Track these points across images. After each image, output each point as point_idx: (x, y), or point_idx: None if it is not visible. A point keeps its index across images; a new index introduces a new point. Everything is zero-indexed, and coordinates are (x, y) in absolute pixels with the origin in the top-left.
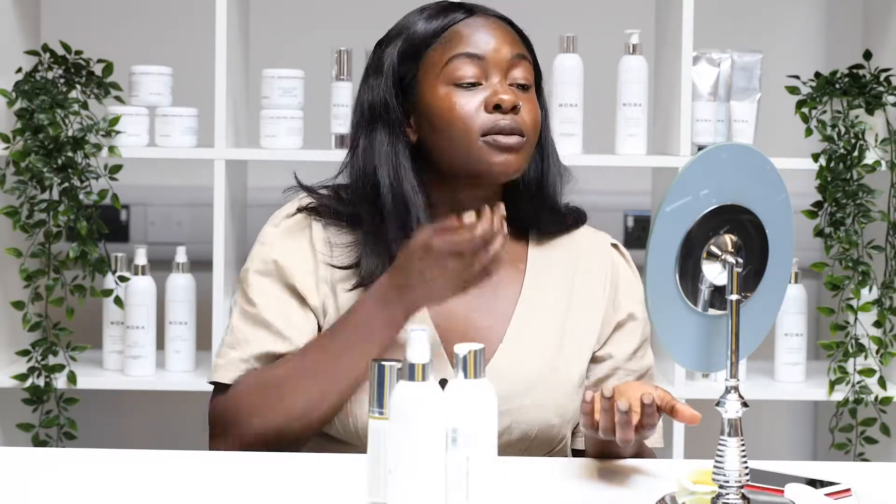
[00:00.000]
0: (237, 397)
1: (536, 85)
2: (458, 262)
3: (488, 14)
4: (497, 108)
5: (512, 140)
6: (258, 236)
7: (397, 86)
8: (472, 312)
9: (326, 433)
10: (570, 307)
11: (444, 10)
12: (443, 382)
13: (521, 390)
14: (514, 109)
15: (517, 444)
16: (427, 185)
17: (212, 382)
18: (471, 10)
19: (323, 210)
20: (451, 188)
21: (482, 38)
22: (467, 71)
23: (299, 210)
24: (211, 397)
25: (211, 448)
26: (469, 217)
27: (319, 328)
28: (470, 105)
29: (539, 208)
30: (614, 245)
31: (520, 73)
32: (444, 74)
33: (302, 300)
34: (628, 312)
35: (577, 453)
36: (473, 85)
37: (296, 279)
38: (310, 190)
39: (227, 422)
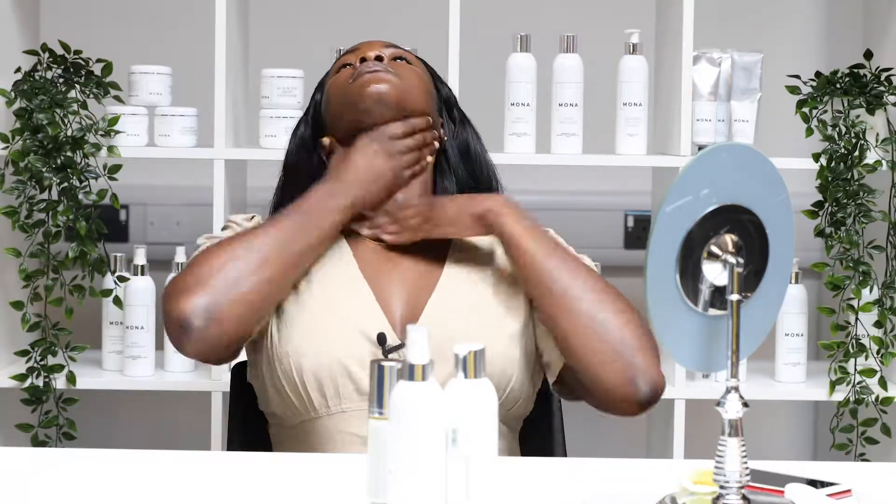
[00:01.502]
0: (200, 255)
1: (447, 107)
2: (395, 146)
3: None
4: (362, 60)
5: (377, 74)
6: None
7: (314, 122)
8: (404, 270)
9: (287, 419)
10: (493, 268)
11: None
12: (380, 337)
13: (456, 336)
14: (378, 59)
15: None
16: None
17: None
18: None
19: None
20: None
21: (359, 45)
22: (350, 56)
23: (246, 217)
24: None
25: (174, 312)
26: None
27: None
28: (345, 74)
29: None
30: None
31: (389, 53)
32: (336, 68)
33: None
34: None
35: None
36: (351, 65)
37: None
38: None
39: (202, 270)
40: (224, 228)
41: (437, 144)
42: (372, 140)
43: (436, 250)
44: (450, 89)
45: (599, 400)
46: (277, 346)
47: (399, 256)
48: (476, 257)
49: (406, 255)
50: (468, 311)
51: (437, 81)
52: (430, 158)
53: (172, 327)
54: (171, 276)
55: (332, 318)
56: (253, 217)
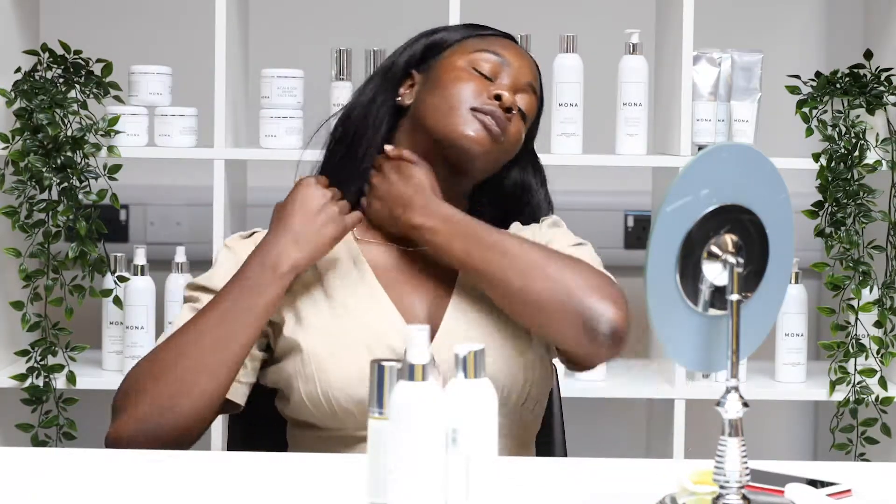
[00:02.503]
0: (140, 366)
1: (530, 130)
2: (325, 197)
3: (523, 49)
4: (497, 98)
5: (495, 126)
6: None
7: (414, 59)
8: (419, 273)
9: (308, 422)
10: None
11: (488, 29)
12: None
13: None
14: (509, 111)
15: None
16: (399, 145)
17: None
18: (509, 36)
19: None
20: (422, 153)
21: (512, 53)
22: (489, 65)
23: (246, 236)
24: None
25: (113, 425)
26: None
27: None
28: (474, 85)
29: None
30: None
31: (524, 102)
32: (470, 58)
33: None
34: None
35: None
36: (486, 78)
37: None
38: None
39: (127, 390)
40: (222, 250)
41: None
42: (312, 191)
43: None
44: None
45: (569, 358)
46: (301, 369)
47: (411, 259)
48: None
49: (418, 255)
50: (487, 316)
51: (541, 81)
52: (354, 217)
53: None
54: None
55: (358, 338)
56: (253, 233)
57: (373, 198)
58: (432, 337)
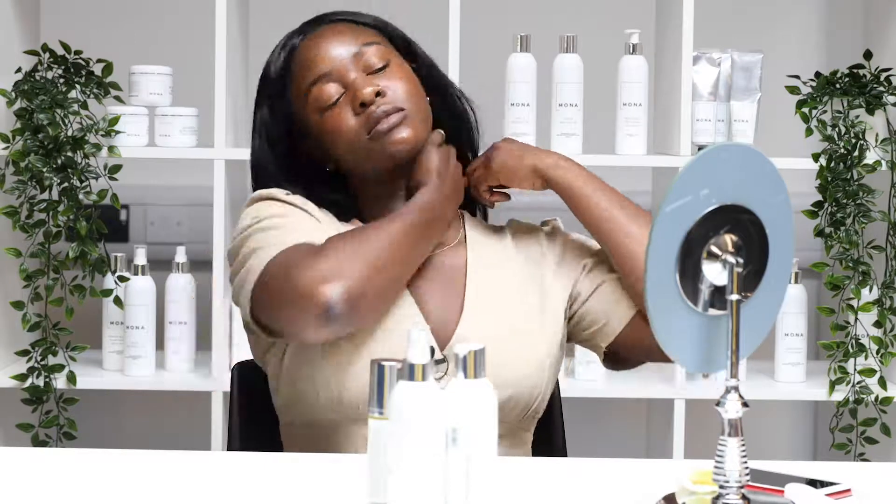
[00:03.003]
0: (334, 244)
1: (405, 51)
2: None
3: (322, 24)
4: (362, 105)
5: (391, 120)
6: (246, 221)
7: (281, 138)
8: (427, 294)
9: (306, 422)
10: (517, 275)
11: (284, 43)
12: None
13: (490, 352)
14: (379, 95)
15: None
16: (360, 198)
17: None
18: (303, 31)
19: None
20: (382, 192)
21: (324, 52)
22: (327, 92)
23: (284, 195)
24: (301, 248)
25: (317, 282)
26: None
27: None
28: (343, 118)
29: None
30: (543, 223)
31: (372, 59)
32: (310, 105)
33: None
34: (583, 264)
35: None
36: (338, 99)
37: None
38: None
39: (345, 253)
40: (257, 201)
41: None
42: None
43: (453, 237)
44: (401, 34)
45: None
46: (321, 358)
47: (428, 260)
48: (493, 243)
49: (432, 257)
50: (502, 310)
51: (389, 29)
52: (439, 132)
53: (313, 310)
54: (287, 263)
55: (379, 342)
56: (288, 193)
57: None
58: (449, 338)
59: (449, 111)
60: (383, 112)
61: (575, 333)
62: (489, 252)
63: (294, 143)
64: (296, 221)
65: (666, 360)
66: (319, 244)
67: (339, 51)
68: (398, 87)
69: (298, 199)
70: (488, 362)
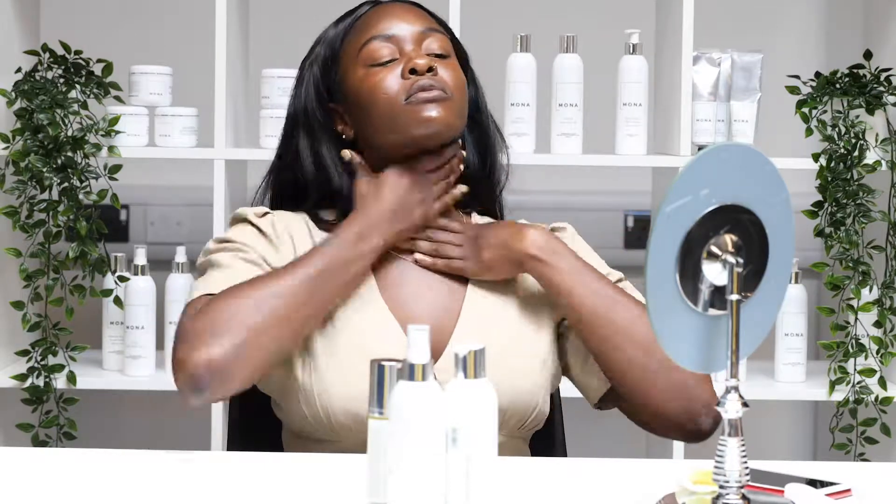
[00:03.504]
0: (207, 307)
1: (463, 63)
2: (427, 179)
3: (394, 1)
4: (413, 72)
5: (433, 93)
6: (217, 239)
7: (321, 92)
8: (426, 291)
9: (306, 435)
10: (515, 282)
11: (351, 10)
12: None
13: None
14: (431, 71)
15: None
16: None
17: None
18: (376, 2)
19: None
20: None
21: (391, 20)
22: (381, 51)
23: (259, 214)
24: (188, 311)
25: (181, 361)
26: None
27: None
28: (387, 78)
29: (482, 193)
30: (553, 229)
31: (434, 44)
32: (361, 59)
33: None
34: None
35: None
36: (390, 62)
37: (268, 258)
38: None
39: (215, 321)
40: (236, 222)
41: (461, 167)
42: (403, 174)
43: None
44: (464, 49)
45: (659, 431)
46: (303, 382)
47: (420, 273)
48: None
49: (428, 271)
50: (496, 335)
51: (457, 46)
52: (459, 189)
53: (181, 379)
54: (183, 318)
55: (360, 358)
56: (265, 214)
57: (476, 253)
58: (438, 356)
59: (480, 139)
60: (429, 84)
61: (563, 366)
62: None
63: (326, 112)
64: (243, 267)
65: (660, 434)
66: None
67: (405, 23)
68: (450, 76)
69: (277, 219)
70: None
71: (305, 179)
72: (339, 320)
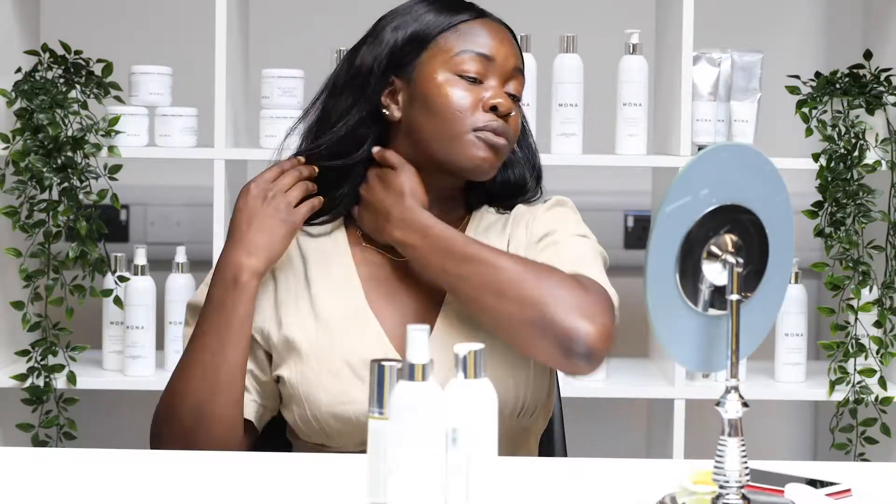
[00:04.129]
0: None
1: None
2: (273, 188)
3: (497, 20)
4: (493, 109)
5: (500, 140)
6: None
7: (392, 62)
8: (408, 288)
9: (305, 438)
10: None
11: (455, 5)
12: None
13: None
14: (507, 116)
15: None
16: None
17: None
18: (481, 13)
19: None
20: (418, 170)
21: (494, 42)
22: (473, 66)
23: None
24: None
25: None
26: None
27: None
28: (467, 98)
29: (489, 196)
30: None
31: (515, 86)
32: (452, 63)
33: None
34: (541, 235)
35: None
36: (474, 81)
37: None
38: None
39: (161, 420)
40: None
41: (315, 170)
42: (254, 194)
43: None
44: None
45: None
46: (291, 388)
47: (404, 270)
48: (492, 237)
49: (410, 266)
50: (476, 331)
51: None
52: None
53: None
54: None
55: (341, 360)
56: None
57: (362, 209)
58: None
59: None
60: (502, 130)
61: None
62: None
63: (384, 80)
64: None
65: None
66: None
67: (505, 53)
68: (514, 126)
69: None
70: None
71: (326, 139)
72: (321, 320)
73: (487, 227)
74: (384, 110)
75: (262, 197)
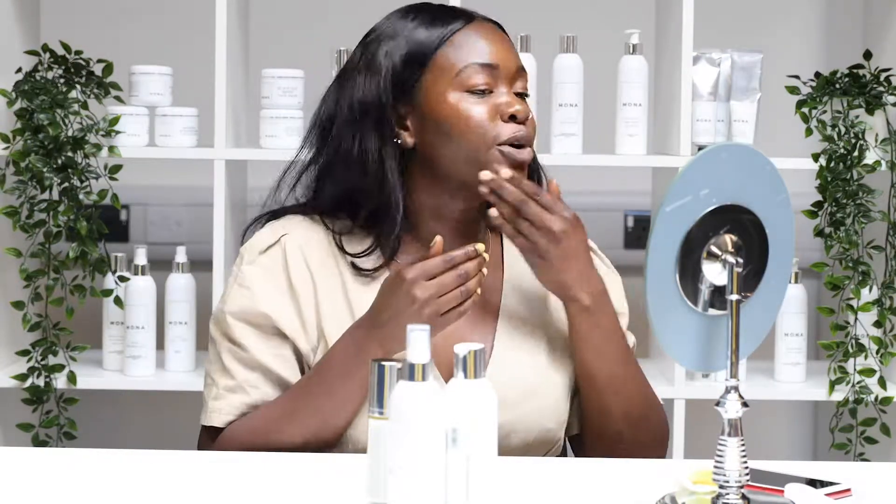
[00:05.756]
0: (230, 444)
1: None
2: (429, 290)
3: (487, 20)
4: (512, 118)
5: (524, 154)
6: (235, 275)
7: (396, 88)
8: (457, 326)
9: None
10: (548, 314)
11: (441, 15)
12: None
13: (518, 399)
14: (527, 120)
15: (515, 451)
16: (413, 189)
17: (207, 426)
18: (469, 17)
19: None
20: (438, 194)
21: (494, 47)
22: (482, 78)
23: (268, 247)
24: (200, 441)
25: None
26: (437, 244)
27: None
28: (483, 112)
29: None
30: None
31: (522, 84)
32: (458, 80)
33: (289, 341)
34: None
35: (573, 442)
36: (484, 92)
37: (284, 325)
38: (288, 210)
39: None
40: (242, 287)
41: (484, 272)
42: (405, 290)
43: (489, 292)
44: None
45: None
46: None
47: None
48: (530, 301)
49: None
50: (529, 369)
51: None
52: (473, 298)
53: None
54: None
55: None
56: (274, 244)
57: (537, 256)
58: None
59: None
60: (526, 140)
61: None
62: (526, 277)
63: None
64: (261, 351)
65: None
66: (212, 446)
67: (505, 55)
68: (532, 125)
69: (288, 242)
70: (513, 409)
71: (351, 181)
72: None
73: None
74: (397, 141)
75: (424, 297)
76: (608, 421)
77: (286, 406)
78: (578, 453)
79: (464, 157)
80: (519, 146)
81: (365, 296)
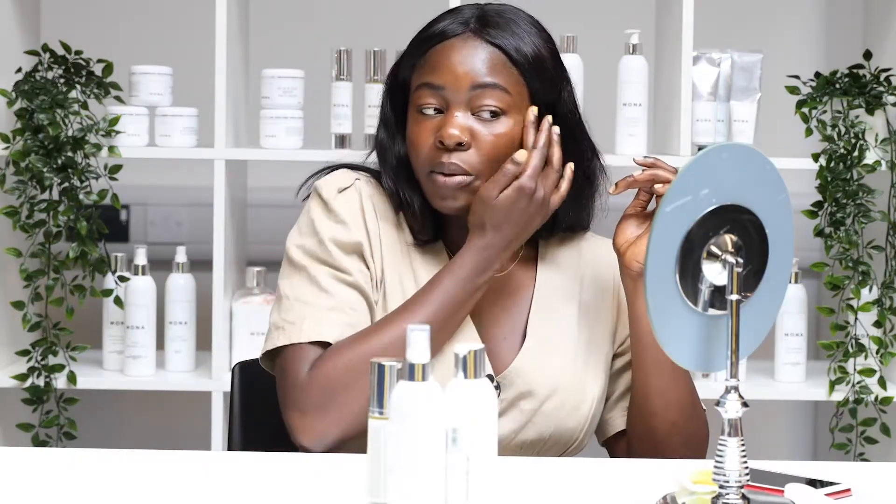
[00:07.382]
0: (345, 364)
1: (547, 100)
2: (521, 198)
3: (475, 36)
4: (441, 143)
5: (452, 181)
6: (321, 205)
7: (396, 104)
8: (489, 319)
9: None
10: (579, 315)
11: (435, 31)
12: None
13: (543, 393)
14: (460, 146)
15: (531, 445)
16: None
17: (311, 343)
18: (455, 31)
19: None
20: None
21: (446, 68)
22: (429, 99)
23: (344, 188)
24: (284, 362)
25: (298, 428)
26: (520, 155)
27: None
28: (425, 135)
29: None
30: None
31: (485, 101)
32: (413, 100)
33: (371, 272)
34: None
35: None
36: (437, 111)
37: (368, 258)
38: (360, 168)
39: (336, 389)
40: (325, 206)
41: (557, 134)
42: (515, 194)
43: (525, 262)
44: (552, 64)
45: (669, 452)
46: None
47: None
48: (566, 259)
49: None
50: (558, 365)
51: (540, 66)
52: (569, 168)
53: (305, 443)
54: (299, 375)
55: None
56: (350, 186)
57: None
58: (506, 365)
59: (573, 151)
60: (451, 168)
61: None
62: (560, 275)
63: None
64: (346, 296)
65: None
66: (318, 361)
67: (459, 74)
68: (485, 148)
69: (363, 187)
70: (540, 404)
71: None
72: None
73: (559, 245)
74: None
75: (535, 198)
76: (666, 405)
77: (390, 332)
78: (617, 455)
79: (419, 178)
80: (448, 174)
81: (424, 258)
